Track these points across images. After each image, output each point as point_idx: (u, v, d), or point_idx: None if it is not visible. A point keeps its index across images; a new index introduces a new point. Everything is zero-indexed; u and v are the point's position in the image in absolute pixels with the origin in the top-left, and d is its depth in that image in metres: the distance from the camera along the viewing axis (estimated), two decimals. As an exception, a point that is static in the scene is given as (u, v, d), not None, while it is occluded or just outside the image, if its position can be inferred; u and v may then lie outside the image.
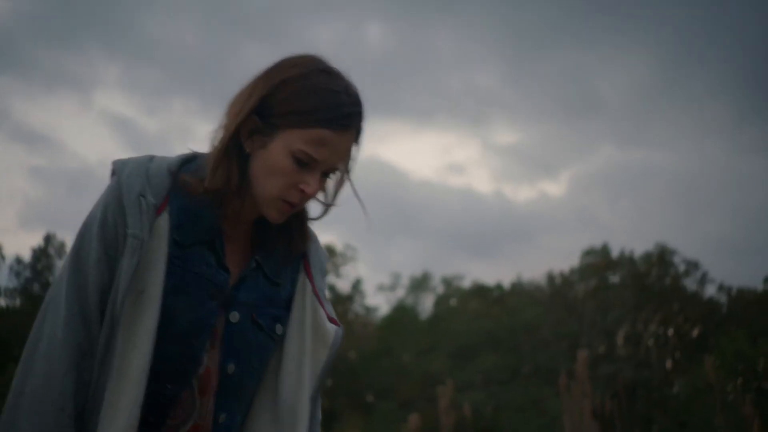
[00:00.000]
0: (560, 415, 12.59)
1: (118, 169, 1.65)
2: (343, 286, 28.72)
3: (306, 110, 1.62)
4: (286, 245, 1.78)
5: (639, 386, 21.56)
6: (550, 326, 24.55)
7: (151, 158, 1.69)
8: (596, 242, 36.84)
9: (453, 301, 29.85)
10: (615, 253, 26.89)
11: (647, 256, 26.42)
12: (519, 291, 28.53)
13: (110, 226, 1.60)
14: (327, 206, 1.75)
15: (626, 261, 26.54)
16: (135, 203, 1.61)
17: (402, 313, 28.42)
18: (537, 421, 18.07)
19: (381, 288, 32.02)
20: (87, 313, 1.56)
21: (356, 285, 28.93)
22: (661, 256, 26.18)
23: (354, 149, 1.68)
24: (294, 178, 1.64)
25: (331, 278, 28.74)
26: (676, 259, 26.17)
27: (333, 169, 1.68)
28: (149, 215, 1.61)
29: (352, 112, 1.65)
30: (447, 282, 30.94)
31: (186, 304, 1.61)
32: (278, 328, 1.73)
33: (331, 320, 1.76)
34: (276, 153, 1.63)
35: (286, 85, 1.63)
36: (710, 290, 25.65)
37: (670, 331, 24.36)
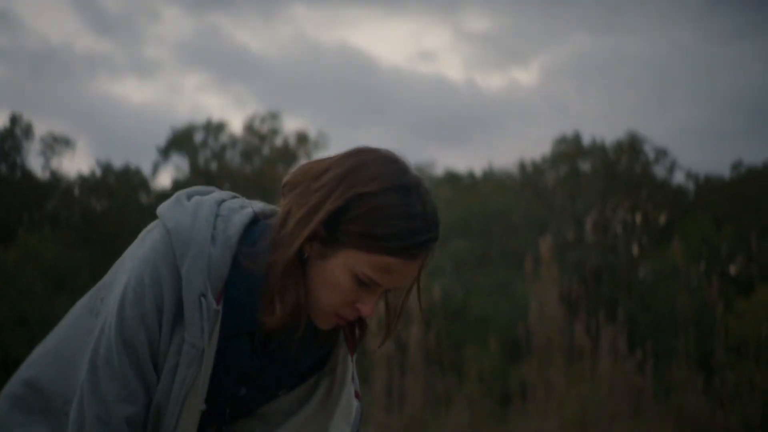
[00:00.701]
0: (528, 299, 12.85)
1: (179, 252, 1.55)
2: (315, 173, 28.68)
3: (377, 236, 1.52)
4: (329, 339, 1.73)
5: (606, 271, 22.00)
6: (520, 213, 24.80)
7: (212, 238, 1.57)
8: (568, 130, 36.86)
9: (424, 189, 29.97)
10: (586, 141, 26.96)
11: (618, 144, 26.52)
12: (490, 179, 28.67)
13: (155, 332, 1.55)
14: (389, 331, 1.68)
15: (597, 149, 26.65)
16: (195, 305, 1.53)
17: (374, 201, 28.51)
18: (506, 304, 18.45)
19: (353, 176, 31.82)
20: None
21: (328, 173, 28.90)
22: (632, 144, 26.30)
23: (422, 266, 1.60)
24: (352, 296, 1.57)
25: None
26: (647, 147, 26.31)
27: (395, 289, 1.61)
28: (210, 321, 1.54)
29: (425, 240, 1.55)
30: (419, 169, 30.92)
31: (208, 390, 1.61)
32: (282, 391, 1.73)
33: (356, 394, 1.75)
34: (336, 269, 1.55)
35: (359, 203, 1.53)
36: (679, 178, 25.92)
37: (638, 218, 24.72)
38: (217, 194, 1.68)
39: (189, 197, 1.67)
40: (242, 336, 1.61)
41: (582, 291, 12.38)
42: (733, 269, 19.59)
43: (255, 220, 1.64)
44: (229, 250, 1.57)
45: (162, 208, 1.64)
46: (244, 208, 1.66)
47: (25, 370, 1.72)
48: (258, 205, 1.69)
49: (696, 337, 11.12)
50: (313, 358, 1.71)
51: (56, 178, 24.49)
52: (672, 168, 26.05)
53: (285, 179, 1.64)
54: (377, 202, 1.53)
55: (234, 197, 1.71)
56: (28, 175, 24.13)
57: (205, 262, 1.55)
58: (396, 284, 1.59)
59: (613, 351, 10.94)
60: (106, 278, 1.71)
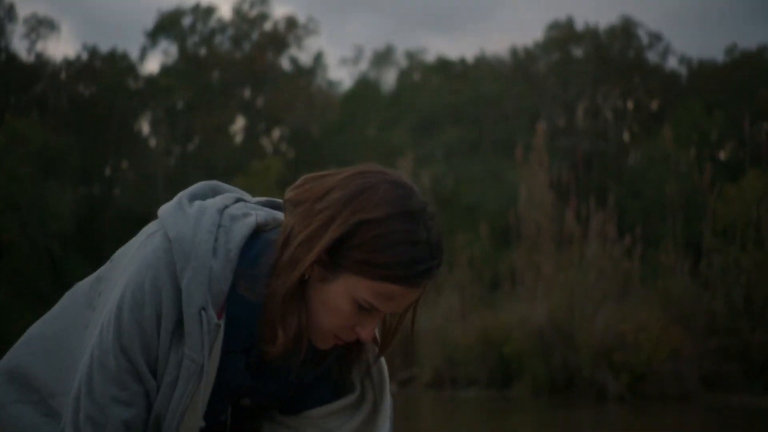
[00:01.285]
0: (519, 185, 12.90)
1: (179, 265, 1.53)
2: (305, 59, 28.29)
3: (379, 264, 1.49)
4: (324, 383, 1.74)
5: (596, 158, 22.01)
6: (511, 100, 24.61)
7: (214, 251, 1.55)
8: (560, 16, 36.19)
9: (416, 76, 29.63)
10: (579, 26, 26.53)
11: (611, 29, 26.12)
12: (482, 65, 28.32)
13: (153, 339, 1.53)
14: (383, 347, 1.68)
15: (590, 34, 26.26)
16: (196, 319, 1.51)
17: (364, 87, 28.23)
18: (496, 192, 18.52)
19: (343, 62, 31.57)
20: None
21: (318, 58, 28.50)
22: (625, 29, 25.90)
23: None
24: (351, 320, 1.55)
25: (292, 51, 28.29)
26: (640, 32, 25.94)
27: (394, 313, 1.59)
28: (210, 335, 1.52)
29: (429, 268, 1.52)
30: (410, 56, 30.55)
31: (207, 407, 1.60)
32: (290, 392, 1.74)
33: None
34: (337, 294, 1.53)
35: (363, 230, 1.49)
36: (672, 63, 25.67)
37: (630, 104, 24.58)
38: (220, 200, 1.65)
39: (191, 200, 1.65)
40: (237, 353, 1.60)
41: (572, 177, 12.43)
42: (723, 154, 19.63)
43: (257, 231, 1.61)
44: (229, 264, 1.56)
45: (164, 212, 1.61)
46: (246, 217, 1.63)
47: (17, 353, 1.73)
48: (261, 214, 1.65)
49: (684, 222, 11.23)
50: (313, 373, 1.72)
51: (42, 62, 24.09)
52: (665, 53, 25.76)
53: (287, 195, 1.61)
54: (381, 230, 1.50)
55: (237, 200, 1.68)
56: (12, 57, 23.71)
57: (206, 276, 1.53)
58: (396, 310, 1.58)
59: (603, 236, 11.07)
60: (105, 271, 1.69)
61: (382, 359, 1.75)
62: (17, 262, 19.54)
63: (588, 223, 11.31)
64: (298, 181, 1.61)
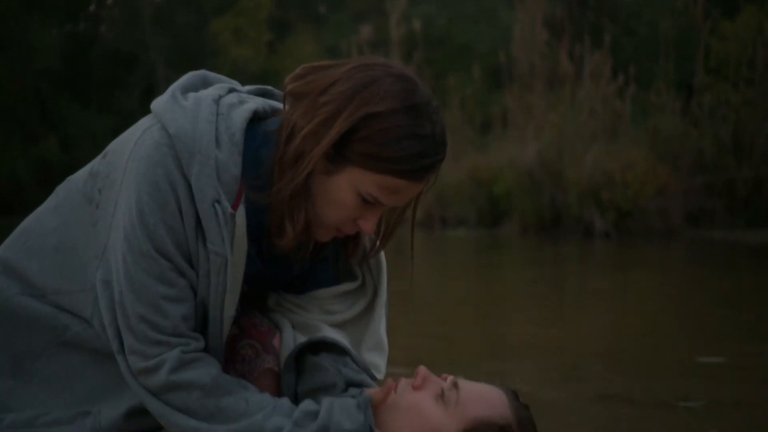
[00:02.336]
0: (512, 25, 12.66)
1: (184, 161, 1.53)
2: None
3: (385, 158, 1.50)
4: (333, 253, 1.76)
5: (592, -3, 21.51)
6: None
7: (216, 140, 1.54)
8: None
9: None
10: None
11: None
12: None
13: (181, 234, 1.55)
14: (384, 241, 1.71)
15: None
16: (211, 213, 1.52)
17: None
18: (489, 32, 18.20)
19: None
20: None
21: None
22: None
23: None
24: (355, 213, 1.56)
25: None
26: None
27: (396, 207, 1.59)
28: (229, 227, 1.53)
29: (433, 162, 1.52)
30: None
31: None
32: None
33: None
34: (342, 187, 1.54)
35: (369, 123, 1.49)
36: None
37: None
38: (213, 90, 1.63)
39: (184, 92, 1.63)
40: (250, 242, 1.61)
41: (566, 16, 12.20)
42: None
43: (256, 117, 1.62)
44: (235, 148, 1.56)
45: (158, 106, 1.60)
46: (243, 104, 1.62)
47: (13, 247, 1.72)
48: (258, 100, 1.65)
49: (677, 61, 11.11)
50: (310, 262, 1.75)
51: None
52: None
53: (288, 86, 1.59)
54: (387, 124, 1.50)
55: (230, 90, 1.66)
56: None
57: (212, 168, 1.53)
58: (399, 203, 1.60)
59: (596, 76, 10.97)
60: (99, 165, 1.67)
61: (383, 259, 1.80)
62: (6, 101, 19.37)
63: (582, 62, 11.19)
64: (298, 71, 1.59)
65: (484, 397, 1.64)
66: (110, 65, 20.71)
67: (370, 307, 1.81)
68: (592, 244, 9.39)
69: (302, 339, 1.74)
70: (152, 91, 20.21)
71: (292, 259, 1.68)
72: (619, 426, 2.36)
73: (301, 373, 1.72)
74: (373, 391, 1.61)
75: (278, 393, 1.69)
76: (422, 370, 1.64)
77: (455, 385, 1.63)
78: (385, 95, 1.52)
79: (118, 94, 19.49)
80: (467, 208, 11.40)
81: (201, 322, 1.62)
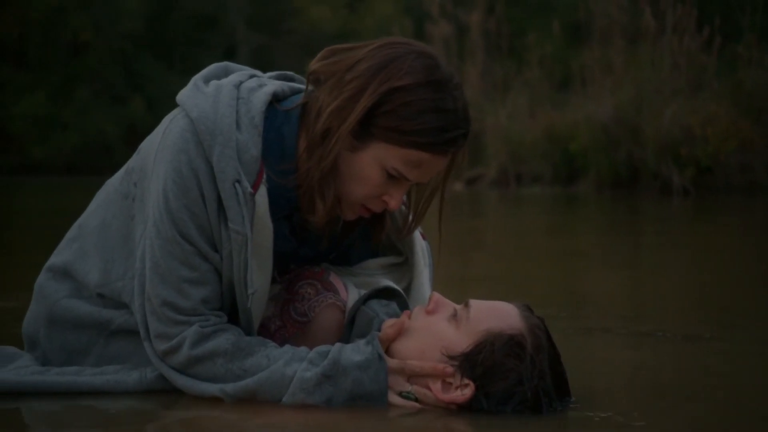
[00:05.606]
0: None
1: (206, 144, 1.57)
2: None
3: (408, 131, 1.53)
4: (363, 237, 1.80)
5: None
6: None
7: (237, 123, 1.59)
8: None
9: None
10: None
11: None
12: None
13: (204, 218, 1.60)
14: (411, 223, 1.75)
15: None
16: (231, 192, 1.56)
17: None
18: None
19: None
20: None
21: None
22: None
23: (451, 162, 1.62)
24: (380, 189, 1.59)
25: None
26: None
27: (422, 183, 1.62)
28: (249, 206, 1.57)
29: (456, 136, 1.56)
30: None
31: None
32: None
33: (422, 236, 1.86)
34: (366, 162, 1.57)
35: (393, 97, 1.53)
36: None
37: None
38: (234, 77, 1.68)
39: (206, 81, 1.68)
40: (280, 219, 1.66)
41: (649, -32, 11.84)
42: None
43: (276, 99, 1.66)
44: (255, 129, 1.60)
45: (181, 96, 1.66)
46: (262, 87, 1.66)
47: (62, 252, 1.82)
48: (277, 83, 1.69)
49: (765, 11, 10.67)
50: (340, 244, 1.79)
51: None
52: None
53: (312, 67, 1.63)
54: (410, 97, 1.54)
55: (251, 76, 1.71)
56: None
57: (233, 149, 1.58)
58: (424, 179, 1.62)
59: (680, 30, 10.62)
60: (133, 162, 1.75)
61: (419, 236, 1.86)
62: (94, 64, 19.86)
63: (664, 16, 10.83)
64: (323, 53, 1.64)
65: (495, 311, 1.63)
66: (191, 26, 21.03)
67: (411, 285, 1.87)
68: (669, 201, 9.14)
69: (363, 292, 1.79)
70: (233, 51, 20.46)
71: (322, 236, 1.73)
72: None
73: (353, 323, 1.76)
74: (387, 324, 1.65)
75: (342, 327, 1.74)
76: (435, 295, 1.66)
77: (466, 304, 1.64)
78: (409, 70, 1.56)
79: (200, 55, 19.79)
80: (542, 165, 11.23)
81: (229, 302, 1.67)
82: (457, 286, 3.42)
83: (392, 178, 1.60)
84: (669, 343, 2.42)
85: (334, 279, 1.77)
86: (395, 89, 1.55)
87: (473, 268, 4.34)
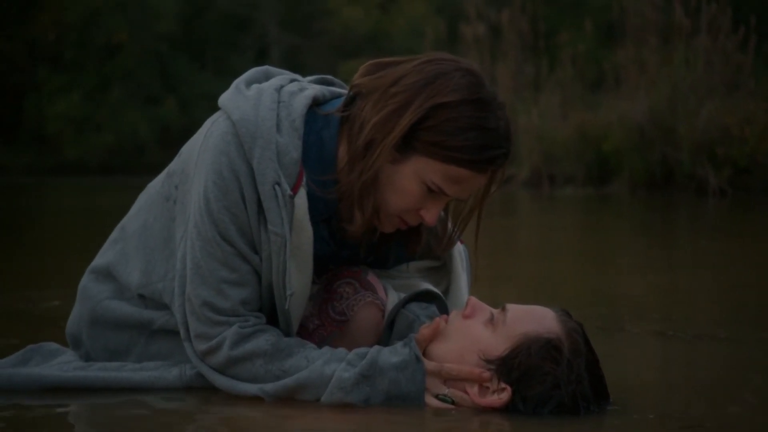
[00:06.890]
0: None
1: (247, 146, 1.59)
2: None
3: (450, 147, 1.55)
4: (399, 243, 1.81)
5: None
6: None
7: (277, 126, 1.61)
8: None
9: None
10: None
11: None
12: None
13: (245, 220, 1.62)
14: (449, 238, 1.77)
15: None
16: (271, 194, 1.58)
17: None
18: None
19: None
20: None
21: None
22: None
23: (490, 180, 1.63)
24: (418, 203, 1.60)
25: None
26: None
27: (460, 199, 1.64)
28: (288, 209, 1.58)
29: (498, 155, 1.58)
30: None
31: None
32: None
33: (460, 241, 1.89)
34: (407, 176, 1.58)
35: (437, 113, 1.54)
36: None
37: None
38: (275, 80, 1.70)
39: (248, 85, 1.70)
40: (318, 223, 1.67)
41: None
42: None
43: (316, 104, 1.68)
44: (295, 132, 1.62)
45: (223, 99, 1.67)
46: (303, 91, 1.68)
47: (105, 254, 1.86)
48: (317, 87, 1.70)
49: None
50: (375, 253, 1.81)
51: None
52: None
53: (356, 81, 1.65)
54: (455, 114, 1.56)
55: (292, 80, 1.72)
56: None
57: (273, 151, 1.59)
58: (463, 195, 1.64)
59: (714, 29, 10.50)
60: (175, 165, 1.77)
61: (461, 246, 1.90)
62: (128, 64, 20.04)
63: (698, 14, 10.72)
64: (367, 68, 1.66)
65: (532, 315, 1.63)
66: (225, 28, 21.15)
67: (448, 289, 1.89)
68: (705, 202, 9.05)
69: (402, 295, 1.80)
70: (265, 53, 20.55)
71: (359, 244, 1.75)
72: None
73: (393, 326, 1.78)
74: (423, 327, 1.66)
75: (380, 325, 1.76)
76: (472, 299, 1.67)
77: (503, 308, 1.64)
78: (455, 87, 1.57)
79: (232, 57, 19.90)
80: (575, 165, 11.16)
81: (269, 304, 1.69)
82: (488, 286, 3.41)
83: (431, 192, 1.61)
84: (703, 344, 2.41)
85: (372, 278, 1.78)
86: (440, 105, 1.56)
87: (505, 269, 4.33)
